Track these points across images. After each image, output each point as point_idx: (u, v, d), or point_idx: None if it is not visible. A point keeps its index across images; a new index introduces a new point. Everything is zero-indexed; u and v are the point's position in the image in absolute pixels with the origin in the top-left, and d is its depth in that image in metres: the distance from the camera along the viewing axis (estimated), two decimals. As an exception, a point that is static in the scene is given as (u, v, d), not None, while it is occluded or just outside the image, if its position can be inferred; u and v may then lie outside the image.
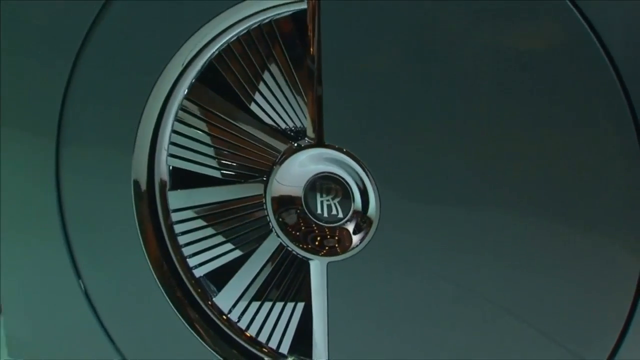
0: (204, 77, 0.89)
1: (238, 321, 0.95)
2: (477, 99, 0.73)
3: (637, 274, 0.70)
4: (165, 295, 0.95)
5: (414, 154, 0.78)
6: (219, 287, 0.96)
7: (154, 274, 0.94)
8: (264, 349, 0.96)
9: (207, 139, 0.91)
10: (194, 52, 0.86)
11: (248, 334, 0.96)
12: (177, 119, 0.90)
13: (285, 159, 0.87)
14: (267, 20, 0.84)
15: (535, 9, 0.69)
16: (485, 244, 0.76)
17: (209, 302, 0.96)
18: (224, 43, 0.86)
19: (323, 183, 0.88)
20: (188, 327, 0.96)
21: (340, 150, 0.83)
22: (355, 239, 0.86)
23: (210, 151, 0.91)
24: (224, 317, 0.96)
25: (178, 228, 0.95)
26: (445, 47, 0.74)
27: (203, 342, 0.96)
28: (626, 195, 0.70)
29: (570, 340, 0.76)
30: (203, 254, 0.95)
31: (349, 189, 0.86)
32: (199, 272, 0.96)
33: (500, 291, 0.78)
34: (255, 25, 0.85)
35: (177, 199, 0.94)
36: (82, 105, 0.91)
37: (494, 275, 0.77)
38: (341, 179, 0.86)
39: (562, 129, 0.71)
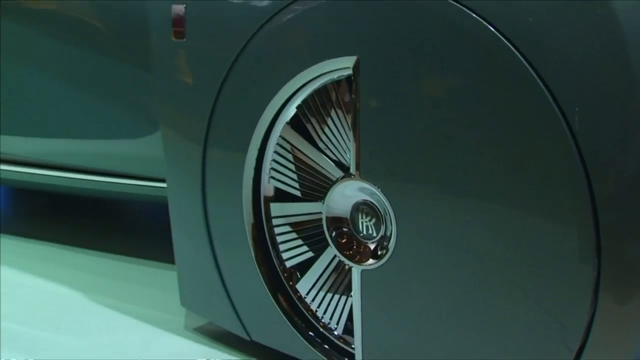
0: (292, 121, 1.20)
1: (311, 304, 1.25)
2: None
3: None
4: (262, 278, 1.28)
5: (428, 192, 1.00)
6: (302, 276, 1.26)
7: (256, 264, 1.28)
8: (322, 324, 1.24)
9: (292, 167, 1.22)
10: (282, 102, 1.18)
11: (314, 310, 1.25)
12: (275, 151, 1.23)
13: (335, 187, 1.14)
14: (330, 81, 1.12)
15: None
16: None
17: (293, 285, 1.27)
18: (306, 97, 1.16)
19: (362, 207, 1.12)
20: (275, 303, 1.27)
21: (372, 184, 1.07)
22: (381, 253, 1.10)
23: (294, 175, 1.22)
24: (302, 298, 1.26)
25: (276, 230, 1.27)
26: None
27: (283, 315, 1.26)
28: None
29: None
30: (291, 251, 1.26)
31: (379, 213, 1.09)
32: (289, 263, 1.27)
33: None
34: (324, 84, 1.13)
35: (274, 209, 1.27)
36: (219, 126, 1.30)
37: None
38: (374, 206, 1.10)
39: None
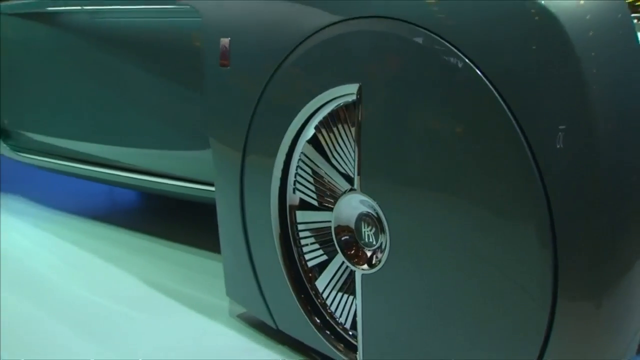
0: (311, 140, 1.36)
1: (326, 299, 1.41)
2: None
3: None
4: (286, 275, 1.45)
5: (418, 210, 1.14)
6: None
7: (282, 263, 1.46)
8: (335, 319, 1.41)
9: (311, 179, 1.38)
10: (301, 122, 1.35)
11: (328, 306, 1.41)
12: (298, 165, 1.40)
13: (342, 198, 1.30)
14: (340, 105, 1.28)
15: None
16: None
17: (312, 283, 1.43)
18: (322, 118, 1.32)
19: (365, 218, 1.27)
20: (296, 298, 1.44)
21: (371, 198, 1.22)
22: (378, 260, 1.25)
23: (312, 187, 1.39)
24: (318, 294, 1.43)
25: (300, 234, 1.44)
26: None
27: (302, 308, 1.44)
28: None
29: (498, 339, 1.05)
30: (311, 253, 1.43)
31: (377, 224, 1.24)
32: (310, 263, 1.44)
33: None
34: (336, 107, 1.29)
35: (297, 216, 1.44)
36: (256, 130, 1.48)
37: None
38: (374, 217, 1.24)
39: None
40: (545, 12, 0.94)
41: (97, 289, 1.99)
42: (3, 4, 2.75)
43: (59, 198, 3.19)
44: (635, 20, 1.10)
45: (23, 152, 2.89)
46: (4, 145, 2.98)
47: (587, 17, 0.95)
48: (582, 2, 0.96)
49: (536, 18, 0.95)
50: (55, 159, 2.69)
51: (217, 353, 1.57)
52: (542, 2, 0.95)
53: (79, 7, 2.29)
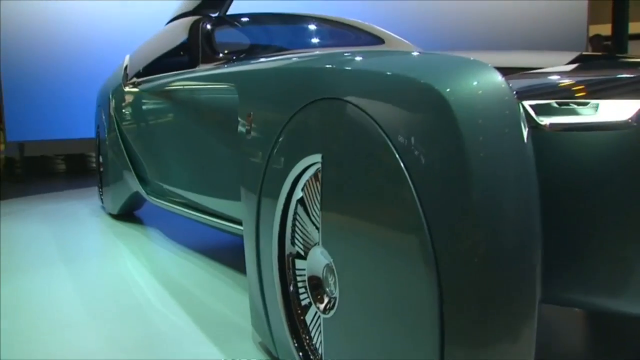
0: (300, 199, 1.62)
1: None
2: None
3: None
4: (283, 311, 1.70)
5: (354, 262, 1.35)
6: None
7: (281, 301, 1.71)
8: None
9: (300, 233, 1.63)
10: (290, 184, 1.61)
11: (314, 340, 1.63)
12: (293, 220, 1.65)
13: (313, 250, 1.53)
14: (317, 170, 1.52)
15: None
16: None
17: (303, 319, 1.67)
18: (305, 181, 1.57)
19: (328, 268, 1.49)
20: (289, 331, 1.68)
21: (326, 250, 1.45)
22: (331, 306, 1.46)
23: (301, 239, 1.63)
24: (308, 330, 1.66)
25: (298, 278, 1.69)
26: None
27: (294, 341, 1.67)
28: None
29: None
30: (303, 294, 1.67)
31: (335, 274, 1.46)
32: (303, 302, 1.68)
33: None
34: (316, 172, 1.54)
35: (290, 263, 1.69)
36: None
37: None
38: (332, 267, 1.47)
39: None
40: (447, 112, 1.12)
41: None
42: (142, 85, 3.43)
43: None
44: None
45: (153, 196, 3.44)
46: (143, 190, 3.59)
47: (476, 105, 1.12)
48: (474, 91, 1.13)
49: (438, 114, 1.14)
50: (170, 202, 3.18)
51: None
52: (449, 101, 1.12)
53: (181, 86, 2.80)
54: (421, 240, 1.13)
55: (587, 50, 8.09)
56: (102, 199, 4.57)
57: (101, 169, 4.51)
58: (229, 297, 2.51)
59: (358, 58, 1.55)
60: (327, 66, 1.52)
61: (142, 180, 3.64)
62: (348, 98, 1.34)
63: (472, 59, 1.23)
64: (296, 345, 1.67)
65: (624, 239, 1.28)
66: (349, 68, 1.44)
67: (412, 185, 1.14)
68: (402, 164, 1.17)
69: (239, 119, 1.94)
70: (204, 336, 2.10)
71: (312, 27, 3.60)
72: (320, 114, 1.46)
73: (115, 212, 4.22)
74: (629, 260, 1.28)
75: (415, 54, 1.47)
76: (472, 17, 7.98)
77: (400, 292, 1.19)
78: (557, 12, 8.27)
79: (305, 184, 1.58)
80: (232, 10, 3.33)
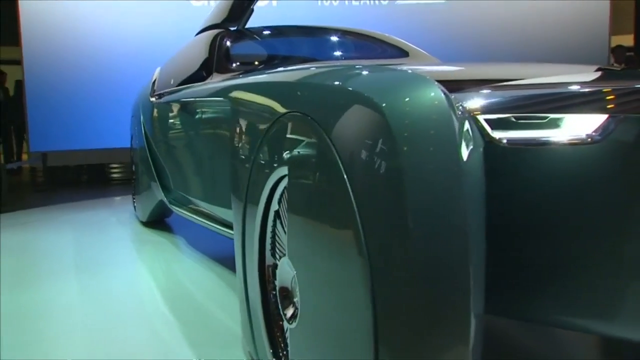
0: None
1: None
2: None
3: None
4: (263, 319, 1.73)
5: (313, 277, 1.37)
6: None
7: (261, 309, 1.74)
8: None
9: (277, 244, 1.66)
10: (267, 196, 1.64)
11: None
12: (271, 232, 1.68)
13: (281, 261, 1.56)
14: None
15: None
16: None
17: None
18: (280, 195, 1.61)
19: (294, 281, 1.52)
20: (268, 340, 1.71)
21: (291, 264, 1.48)
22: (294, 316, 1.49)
23: (277, 250, 1.66)
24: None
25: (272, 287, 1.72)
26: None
27: (271, 350, 1.70)
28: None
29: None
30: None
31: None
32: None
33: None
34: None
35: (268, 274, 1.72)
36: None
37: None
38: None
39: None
40: (383, 125, 1.14)
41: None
42: (165, 97, 3.54)
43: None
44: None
45: (174, 205, 3.54)
46: (166, 199, 3.69)
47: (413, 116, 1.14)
48: (411, 105, 1.15)
49: (375, 126, 1.16)
50: (189, 211, 3.26)
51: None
52: (385, 115, 1.14)
53: (193, 98, 2.89)
54: (359, 250, 1.14)
55: (610, 62, 7.89)
56: (134, 207, 4.71)
57: (134, 178, 4.65)
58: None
59: (317, 73, 1.58)
60: (292, 81, 1.55)
61: (165, 189, 3.74)
62: (307, 111, 1.37)
63: (416, 74, 1.24)
64: (271, 352, 1.70)
65: (585, 257, 1.26)
66: (308, 83, 1.48)
67: (352, 198, 1.16)
68: (345, 177, 1.18)
69: (230, 130, 1.99)
70: (197, 342, 2.15)
71: (332, 39, 3.64)
72: (286, 127, 1.49)
73: (144, 219, 4.34)
74: (597, 278, 1.26)
75: (366, 69, 1.49)
76: (494, 30, 7.90)
77: (343, 302, 1.21)
78: (579, 23, 8.09)
79: (280, 196, 1.61)
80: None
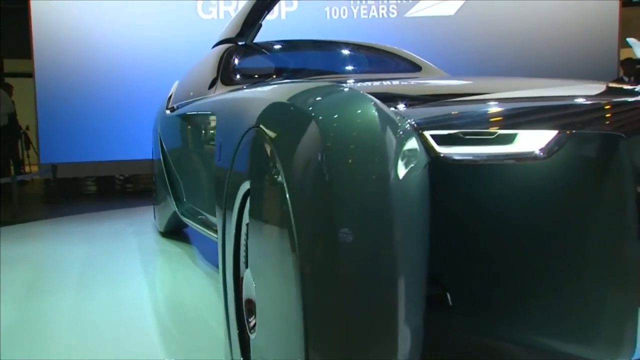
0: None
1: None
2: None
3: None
4: (237, 328, 1.76)
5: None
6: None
7: (235, 318, 1.78)
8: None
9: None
10: (238, 210, 1.67)
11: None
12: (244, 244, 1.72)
13: (244, 273, 1.59)
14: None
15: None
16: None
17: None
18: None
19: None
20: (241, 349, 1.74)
21: (252, 276, 1.51)
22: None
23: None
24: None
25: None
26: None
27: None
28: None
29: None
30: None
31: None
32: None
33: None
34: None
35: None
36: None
37: None
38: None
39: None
40: (317, 138, 1.17)
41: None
42: (177, 110, 3.63)
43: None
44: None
45: (185, 216, 3.62)
46: (178, 210, 3.77)
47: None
48: (348, 119, 1.17)
49: (310, 139, 1.19)
50: (197, 223, 3.33)
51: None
52: (320, 128, 1.17)
53: (196, 111, 2.96)
54: (294, 260, 1.17)
55: (619, 74, 7.72)
56: (155, 217, 4.82)
57: (154, 189, 4.75)
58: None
59: (278, 89, 1.61)
60: (258, 97, 1.59)
61: (178, 200, 3.82)
62: (261, 126, 1.40)
63: (354, 90, 1.26)
64: (242, 362, 1.73)
65: (531, 272, 1.26)
66: (265, 98, 1.51)
67: (290, 209, 1.19)
68: (286, 188, 1.21)
69: (215, 143, 2.04)
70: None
71: (338, 53, 3.67)
72: (251, 141, 1.53)
73: (162, 229, 4.43)
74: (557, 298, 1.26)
75: (312, 85, 1.51)
76: (502, 43, 7.83)
77: (284, 311, 1.23)
78: (587, 36, 7.94)
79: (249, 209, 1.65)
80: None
